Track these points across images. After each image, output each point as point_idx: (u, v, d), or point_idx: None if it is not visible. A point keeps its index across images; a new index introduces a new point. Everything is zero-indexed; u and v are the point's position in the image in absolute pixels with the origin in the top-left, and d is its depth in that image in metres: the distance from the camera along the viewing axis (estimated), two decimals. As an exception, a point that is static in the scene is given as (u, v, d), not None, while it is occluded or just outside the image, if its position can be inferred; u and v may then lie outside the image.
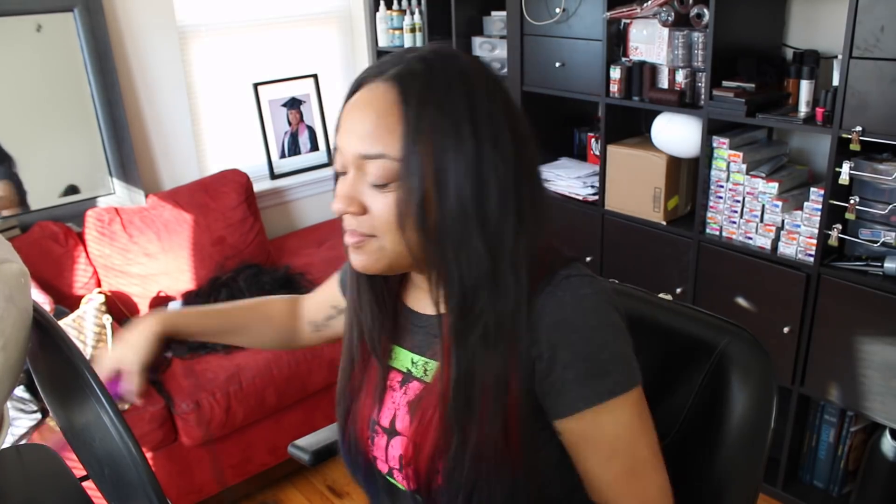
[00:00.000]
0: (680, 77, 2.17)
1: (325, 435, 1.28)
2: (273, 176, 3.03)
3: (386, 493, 0.96)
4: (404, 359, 0.93)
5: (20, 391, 1.87)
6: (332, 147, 0.87)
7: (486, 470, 0.81)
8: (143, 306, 2.42)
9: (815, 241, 1.92)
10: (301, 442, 1.26)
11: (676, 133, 2.19)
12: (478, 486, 0.81)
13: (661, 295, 1.16)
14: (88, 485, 1.39)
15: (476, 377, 0.80)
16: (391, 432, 0.91)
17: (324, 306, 1.16)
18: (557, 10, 2.36)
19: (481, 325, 0.78)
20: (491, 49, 2.73)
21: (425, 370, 0.89)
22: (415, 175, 0.75)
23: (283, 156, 3.07)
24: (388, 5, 3.02)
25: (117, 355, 1.04)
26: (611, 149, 2.38)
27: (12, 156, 2.34)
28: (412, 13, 2.94)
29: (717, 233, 2.16)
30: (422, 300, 0.91)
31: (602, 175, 2.41)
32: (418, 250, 0.79)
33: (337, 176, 0.83)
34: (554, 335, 0.78)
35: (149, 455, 2.01)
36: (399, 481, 0.91)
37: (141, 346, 1.04)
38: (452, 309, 0.79)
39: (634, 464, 0.82)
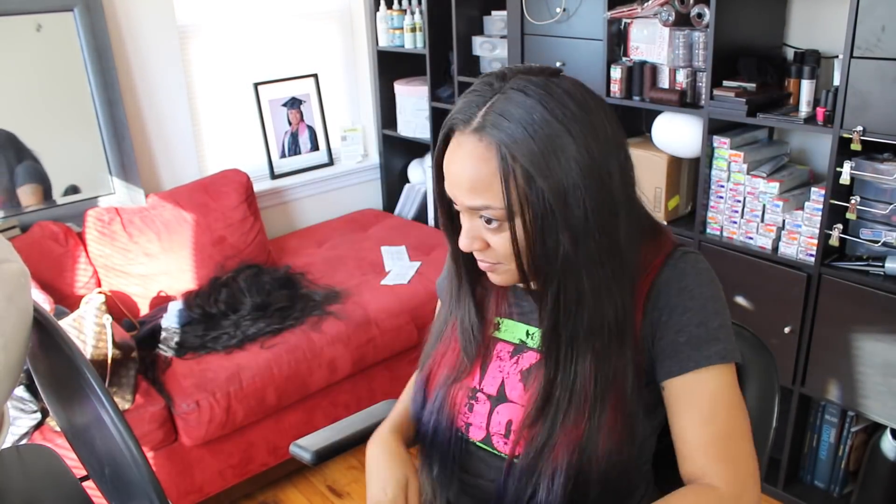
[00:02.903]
0: (681, 77, 2.17)
1: (326, 434, 1.27)
2: (273, 176, 3.02)
3: (468, 460, 0.98)
4: (516, 330, 0.97)
5: (20, 391, 1.86)
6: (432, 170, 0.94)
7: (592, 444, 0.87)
8: (144, 306, 2.42)
9: (815, 241, 1.92)
10: (303, 441, 1.26)
11: (677, 133, 2.18)
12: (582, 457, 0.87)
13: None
14: (88, 485, 1.38)
15: (579, 379, 0.87)
16: (498, 399, 0.95)
17: None
18: (558, 10, 2.36)
19: (583, 331, 0.86)
20: (491, 49, 2.73)
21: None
22: (518, 216, 0.82)
23: (283, 155, 3.07)
24: (389, 5, 3.02)
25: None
26: (611, 148, 2.37)
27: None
28: (412, 13, 2.93)
29: (718, 233, 2.16)
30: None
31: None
32: (538, 273, 0.87)
33: (443, 199, 0.91)
34: (673, 300, 0.87)
35: (149, 455, 2.00)
36: (499, 447, 0.94)
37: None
38: (560, 321, 0.86)
39: (731, 430, 0.86)
